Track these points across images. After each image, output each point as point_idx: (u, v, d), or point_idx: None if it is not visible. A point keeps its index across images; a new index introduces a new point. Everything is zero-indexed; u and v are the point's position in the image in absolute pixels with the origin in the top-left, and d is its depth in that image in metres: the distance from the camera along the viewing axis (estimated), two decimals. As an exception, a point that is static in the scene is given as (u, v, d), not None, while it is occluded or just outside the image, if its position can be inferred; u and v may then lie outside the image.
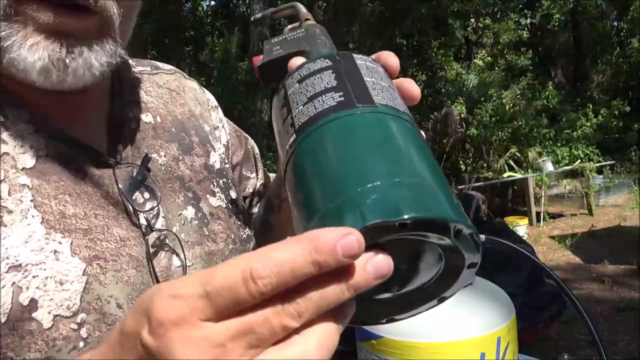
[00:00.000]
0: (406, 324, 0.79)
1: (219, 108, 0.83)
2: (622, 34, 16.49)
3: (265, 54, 0.60)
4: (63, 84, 0.51)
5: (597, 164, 9.39)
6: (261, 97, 9.99)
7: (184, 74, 0.81)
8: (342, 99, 0.40)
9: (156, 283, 0.56)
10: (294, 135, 0.40)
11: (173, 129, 0.70)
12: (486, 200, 8.37)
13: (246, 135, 0.88)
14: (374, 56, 0.50)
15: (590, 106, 10.59)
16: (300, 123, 0.40)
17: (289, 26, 0.63)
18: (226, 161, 0.78)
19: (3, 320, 0.46)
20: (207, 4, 13.60)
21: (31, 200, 0.51)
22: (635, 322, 4.06)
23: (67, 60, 0.50)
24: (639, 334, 3.80)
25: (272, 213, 0.78)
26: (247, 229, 0.74)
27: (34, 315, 0.48)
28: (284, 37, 0.61)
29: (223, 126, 0.82)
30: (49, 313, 0.48)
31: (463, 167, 9.12)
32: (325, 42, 0.60)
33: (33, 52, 0.48)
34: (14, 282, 0.47)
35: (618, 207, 9.17)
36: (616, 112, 11.30)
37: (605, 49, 16.53)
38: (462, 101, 8.93)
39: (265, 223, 0.79)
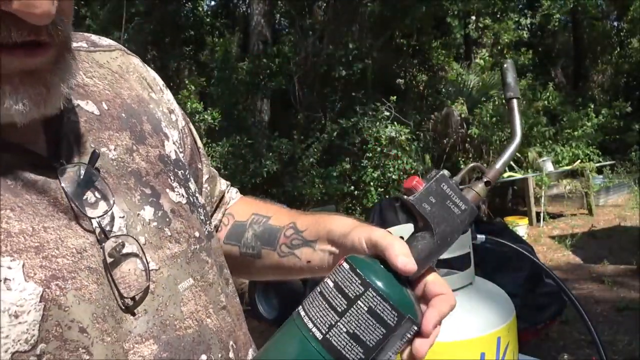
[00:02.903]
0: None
1: (167, 87, 0.76)
2: (622, 33, 16.49)
3: (420, 194, 0.56)
4: (40, 114, 0.49)
5: (597, 164, 9.39)
6: (261, 97, 9.97)
7: (125, 49, 0.73)
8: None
9: (117, 293, 0.52)
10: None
11: (123, 114, 0.63)
12: (486, 200, 8.37)
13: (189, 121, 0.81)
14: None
15: (592, 106, 10.59)
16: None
17: (462, 187, 0.58)
18: (181, 150, 0.72)
19: None
20: (207, 3, 13.60)
21: None
22: (635, 322, 4.06)
23: (47, 98, 0.49)
24: (639, 334, 3.80)
25: (270, 248, 0.75)
26: (209, 224, 0.68)
27: None
28: (448, 193, 0.57)
29: (174, 109, 0.75)
30: (6, 352, 0.44)
31: (463, 167, 9.10)
32: (452, 238, 0.58)
33: (15, 100, 0.47)
34: None
35: (618, 207, 9.17)
36: (617, 112, 11.30)
37: (605, 49, 16.53)
38: (462, 101, 8.93)
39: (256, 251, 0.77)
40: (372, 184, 8.12)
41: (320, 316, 0.52)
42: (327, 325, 0.52)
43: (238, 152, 8.83)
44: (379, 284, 0.52)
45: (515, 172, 8.96)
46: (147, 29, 10.27)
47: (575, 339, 3.82)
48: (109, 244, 0.53)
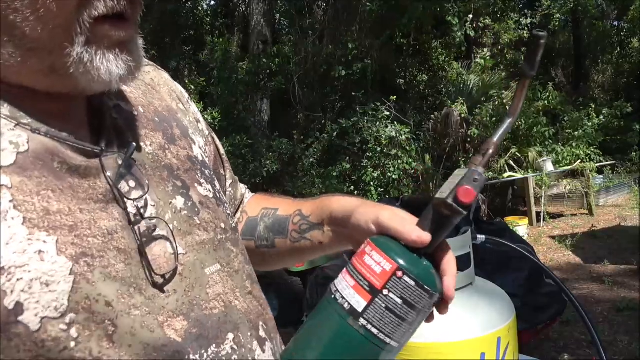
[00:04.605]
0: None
1: (192, 100, 0.83)
2: (622, 33, 16.49)
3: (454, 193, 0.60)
4: (118, 85, 0.57)
5: (598, 164, 9.39)
6: (261, 97, 9.97)
7: (156, 64, 0.80)
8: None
9: (148, 273, 0.56)
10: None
11: (156, 119, 0.69)
12: (486, 200, 8.38)
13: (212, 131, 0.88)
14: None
15: (593, 106, 10.59)
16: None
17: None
18: (207, 155, 0.78)
19: None
20: (207, 3, 13.59)
21: (10, 201, 0.50)
22: (635, 322, 4.06)
23: (135, 68, 0.57)
24: (639, 334, 3.80)
25: (282, 236, 0.82)
26: (234, 219, 0.74)
27: (20, 318, 0.47)
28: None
29: (200, 119, 0.82)
30: (36, 315, 0.48)
31: (463, 167, 9.10)
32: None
33: (117, 67, 0.54)
34: None
35: (618, 207, 9.17)
36: (618, 112, 11.30)
37: (605, 49, 16.55)
38: (462, 101, 8.93)
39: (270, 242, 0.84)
40: (372, 184, 8.12)
41: (355, 299, 0.58)
42: (363, 306, 0.58)
43: (238, 152, 8.83)
44: (406, 264, 0.59)
45: (516, 172, 8.95)
46: (147, 29, 10.27)
47: (576, 339, 3.82)
48: (142, 225, 0.57)
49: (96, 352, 0.50)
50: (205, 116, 9.13)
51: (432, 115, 9.51)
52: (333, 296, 0.60)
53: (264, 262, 0.86)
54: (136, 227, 0.57)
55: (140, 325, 0.53)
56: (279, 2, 11.45)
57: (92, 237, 0.53)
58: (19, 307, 0.47)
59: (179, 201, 0.63)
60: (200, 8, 12.17)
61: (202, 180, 0.69)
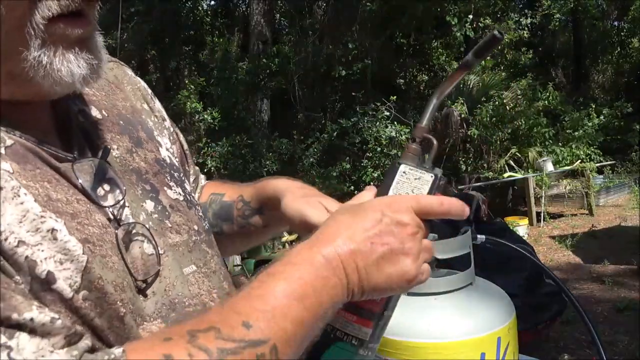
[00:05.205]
0: (406, 324, 0.78)
1: (155, 96, 0.82)
2: (622, 33, 16.48)
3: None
4: (81, 87, 0.55)
5: (598, 164, 9.39)
6: (261, 97, 9.97)
7: (119, 60, 0.78)
8: None
9: (129, 274, 0.56)
10: None
11: (121, 122, 0.68)
12: (486, 200, 8.36)
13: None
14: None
15: (593, 106, 10.59)
16: None
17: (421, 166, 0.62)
18: (175, 155, 0.77)
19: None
20: (207, 3, 13.59)
21: (17, 180, 0.50)
22: (635, 322, 4.05)
23: (98, 65, 0.55)
24: (639, 334, 3.79)
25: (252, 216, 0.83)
26: (206, 221, 0.74)
27: (54, 287, 0.48)
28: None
29: (165, 116, 0.80)
30: (67, 285, 0.49)
31: (463, 167, 9.12)
32: None
33: (79, 67, 0.52)
34: (26, 256, 0.47)
35: (618, 207, 9.17)
36: (618, 112, 11.30)
37: (605, 49, 16.53)
38: (462, 101, 8.93)
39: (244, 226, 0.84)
40: (372, 184, 8.12)
41: (361, 331, 0.61)
42: (369, 334, 0.61)
43: (238, 152, 8.84)
44: None
45: (516, 172, 8.95)
46: (147, 29, 10.27)
47: (576, 339, 3.82)
48: (121, 231, 0.57)
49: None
50: (205, 116, 9.13)
51: (432, 115, 9.49)
52: (335, 335, 0.59)
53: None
54: (115, 232, 0.56)
55: (127, 320, 0.54)
56: (279, 2, 11.45)
57: (91, 227, 0.54)
58: (50, 276, 0.48)
59: (149, 205, 0.63)
60: (200, 8, 12.16)
61: (172, 184, 0.69)
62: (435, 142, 0.62)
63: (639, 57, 15.47)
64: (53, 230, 0.50)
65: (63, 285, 0.48)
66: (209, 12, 13.11)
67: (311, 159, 8.65)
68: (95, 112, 0.65)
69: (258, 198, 0.81)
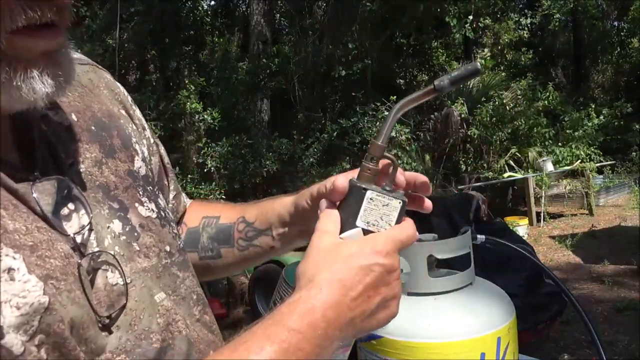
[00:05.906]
0: (406, 324, 0.79)
1: (135, 104, 0.77)
2: (622, 33, 16.48)
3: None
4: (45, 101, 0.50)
5: (598, 164, 9.39)
6: (261, 97, 9.97)
7: (96, 64, 0.73)
8: None
9: (89, 306, 0.51)
10: None
11: (93, 127, 0.62)
12: (486, 200, 8.36)
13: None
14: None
15: (593, 106, 10.60)
16: None
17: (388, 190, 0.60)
18: (151, 165, 0.72)
19: None
20: (207, 3, 13.59)
21: None
22: (635, 322, 4.05)
23: (66, 80, 0.50)
24: (639, 334, 3.79)
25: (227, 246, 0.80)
26: (180, 239, 0.70)
27: (2, 342, 0.44)
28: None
29: (145, 125, 0.76)
30: (17, 338, 0.44)
31: (463, 167, 9.13)
32: None
33: (43, 83, 0.48)
34: None
35: (618, 207, 9.17)
36: (618, 112, 11.31)
37: (605, 49, 16.54)
38: (462, 101, 8.94)
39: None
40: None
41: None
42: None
43: (238, 152, 8.83)
44: None
45: (516, 172, 8.95)
46: (147, 29, 10.26)
47: (576, 339, 3.82)
48: (85, 262, 0.52)
49: None
50: (205, 116, 9.12)
51: (432, 115, 9.52)
52: None
53: (209, 272, 0.83)
54: (79, 263, 0.52)
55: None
56: (279, 2, 11.45)
57: (53, 259, 0.49)
58: None
59: (116, 225, 0.58)
60: (200, 8, 12.15)
61: (144, 199, 0.63)
62: (396, 162, 0.61)
63: (638, 57, 15.48)
64: (10, 270, 0.45)
65: (13, 340, 0.44)
66: (209, 12, 13.10)
67: (311, 159, 8.65)
68: (60, 118, 0.59)
69: (264, 218, 0.77)
